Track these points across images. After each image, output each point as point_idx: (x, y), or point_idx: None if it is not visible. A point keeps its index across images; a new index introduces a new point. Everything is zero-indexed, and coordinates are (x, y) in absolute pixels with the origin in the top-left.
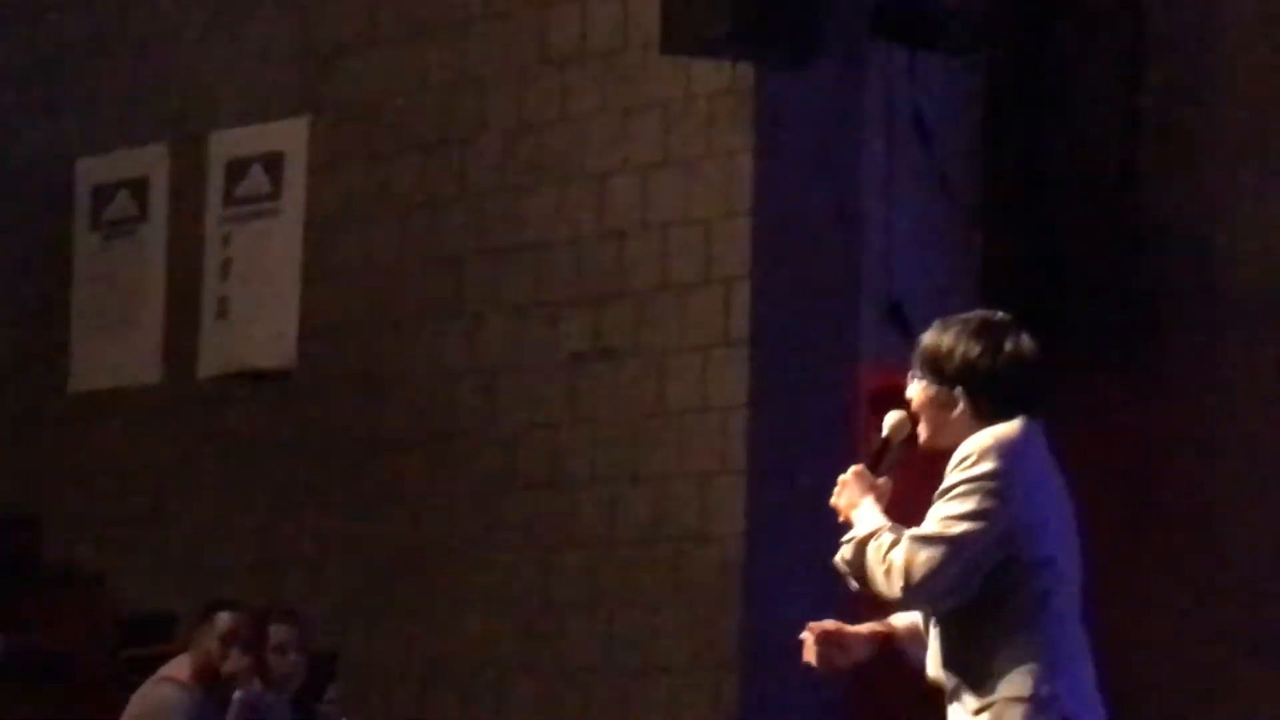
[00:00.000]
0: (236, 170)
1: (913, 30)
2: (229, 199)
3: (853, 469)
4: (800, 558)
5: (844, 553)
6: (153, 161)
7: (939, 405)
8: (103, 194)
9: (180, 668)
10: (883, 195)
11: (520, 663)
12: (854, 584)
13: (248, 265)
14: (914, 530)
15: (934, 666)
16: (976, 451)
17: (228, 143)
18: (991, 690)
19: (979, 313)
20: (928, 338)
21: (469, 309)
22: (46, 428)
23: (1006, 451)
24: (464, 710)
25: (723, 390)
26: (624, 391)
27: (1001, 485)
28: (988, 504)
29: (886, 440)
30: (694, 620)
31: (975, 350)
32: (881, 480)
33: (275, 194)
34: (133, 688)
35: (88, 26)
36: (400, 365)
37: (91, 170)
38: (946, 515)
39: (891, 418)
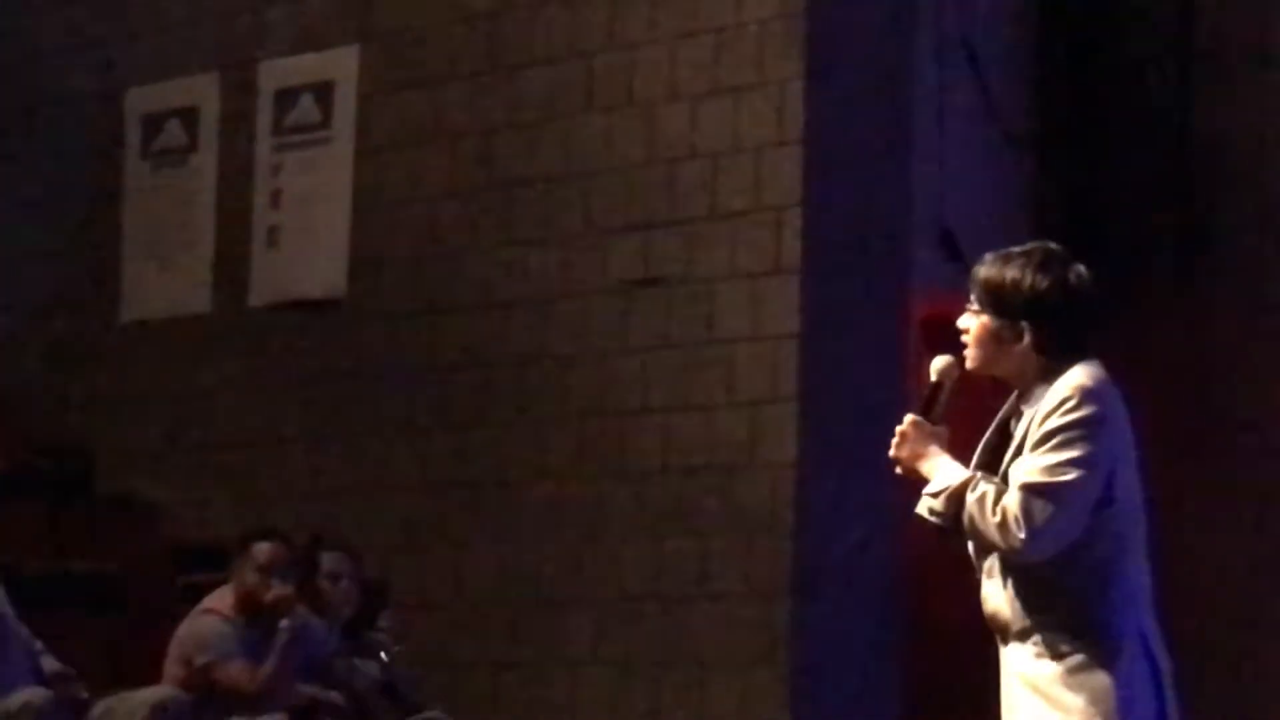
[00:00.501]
0: (286, 99)
1: None
2: (279, 128)
3: (909, 419)
4: (851, 485)
5: (933, 504)
6: (203, 91)
7: (1000, 339)
8: (153, 124)
9: (222, 599)
10: (934, 122)
11: (571, 590)
12: (942, 532)
13: (298, 194)
14: (1026, 480)
15: (1002, 604)
16: (1077, 394)
17: (278, 72)
18: (1081, 634)
19: (1038, 245)
20: (988, 270)
21: (519, 237)
22: (98, 358)
23: (1102, 394)
24: (514, 638)
25: (773, 318)
26: (674, 319)
27: (1102, 430)
28: (1092, 449)
29: (937, 385)
30: (745, 547)
31: (1043, 283)
32: (939, 428)
33: (325, 123)
34: (185, 615)
35: None
36: (450, 293)
37: (142, 100)
38: (1057, 462)
39: (940, 362)
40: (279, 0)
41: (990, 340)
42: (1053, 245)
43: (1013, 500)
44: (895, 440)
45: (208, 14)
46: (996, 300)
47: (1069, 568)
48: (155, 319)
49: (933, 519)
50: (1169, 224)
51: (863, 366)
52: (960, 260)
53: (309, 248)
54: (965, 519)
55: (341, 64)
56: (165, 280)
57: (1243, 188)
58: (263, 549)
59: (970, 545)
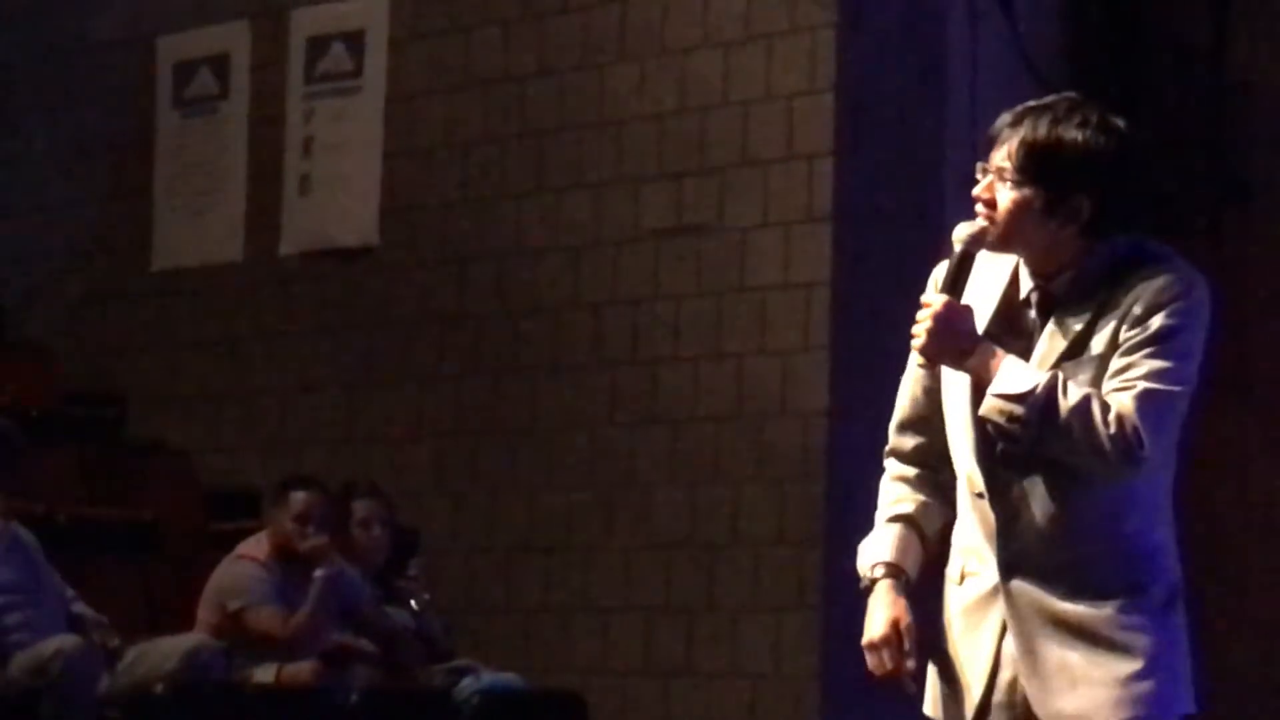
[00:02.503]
0: (318, 47)
1: None
2: (310, 76)
3: (941, 300)
4: (882, 432)
5: (1012, 409)
6: (234, 39)
7: (1044, 216)
8: (184, 72)
9: (258, 545)
10: (966, 69)
11: (603, 538)
12: (1010, 442)
13: (329, 142)
14: (1148, 385)
15: (1033, 528)
16: (1187, 286)
17: (309, 19)
18: (1136, 568)
19: (1068, 97)
20: (1030, 130)
21: (550, 184)
22: (130, 305)
23: (1203, 289)
24: (546, 586)
25: (805, 266)
26: (706, 267)
27: (1201, 337)
28: (1199, 354)
29: (965, 258)
30: (777, 495)
31: (1107, 146)
32: (967, 303)
33: (356, 71)
34: (218, 561)
35: None
36: (482, 241)
37: (173, 48)
38: (1174, 367)
39: (966, 230)
40: None
41: (1031, 218)
42: (1080, 97)
43: (1130, 407)
44: (926, 326)
45: None
46: (1046, 168)
47: (1127, 496)
48: (187, 267)
49: (1009, 426)
50: (1203, 174)
51: (894, 314)
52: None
53: (340, 196)
54: (1061, 427)
55: (373, 11)
56: (197, 228)
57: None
58: (299, 497)
59: (1002, 465)
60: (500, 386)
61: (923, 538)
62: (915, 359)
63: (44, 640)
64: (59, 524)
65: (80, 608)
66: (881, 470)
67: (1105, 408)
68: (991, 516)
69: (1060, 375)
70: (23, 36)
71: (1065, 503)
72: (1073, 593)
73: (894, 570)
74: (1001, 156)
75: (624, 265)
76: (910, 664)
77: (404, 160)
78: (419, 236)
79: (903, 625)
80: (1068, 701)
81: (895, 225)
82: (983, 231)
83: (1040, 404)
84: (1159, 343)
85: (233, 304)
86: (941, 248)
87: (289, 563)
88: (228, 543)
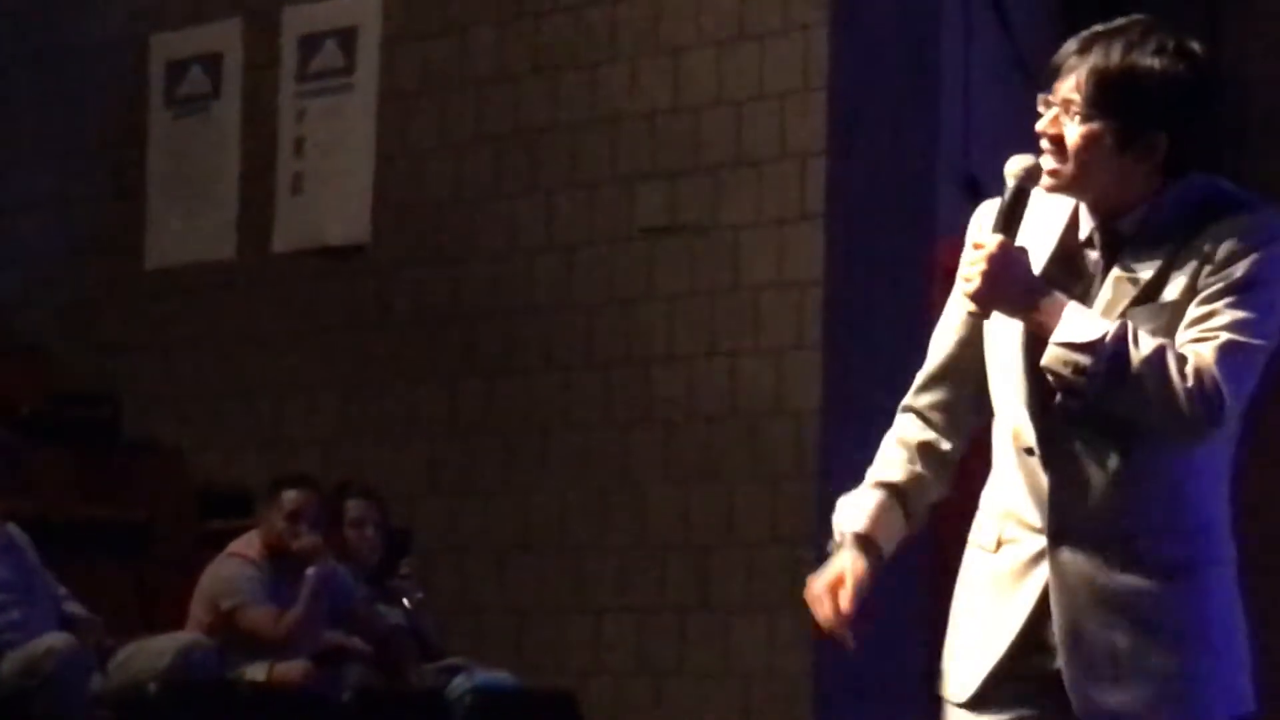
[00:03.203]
0: (310, 45)
1: None
2: (303, 74)
3: (995, 240)
4: (876, 432)
5: (1078, 360)
6: (226, 37)
7: (1118, 152)
8: (176, 70)
9: (250, 544)
10: (959, 68)
11: (597, 537)
12: (1073, 396)
13: (321, 141)
14: (1230, 336)
15: (1088, 490)
16: (1271, 235)
17: (301, 17)
18: (1194, 539)
19: (1152, 20)
20: (1101, 58)
21: (544, 183)
22: (123, 304)
23: None
24: (539, 585)
25: (798, 265)
26: (699, 267)
27: None
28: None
29: (1020, 194)
30: (770, 495)
31: (1187, 75)
32: (1022, 249)
33: (349, 69)
34: (210, 561)
35: None
36: (475, 240)
37: (165, 46)
38: (1257, 319)
39: (1019, 164)
40: None
41: (1102, 154)
42: (1155, 19)
43: (1211, 360)
44: (980, 269)
45: None
46: (1120, 99)
47: (1201, 453)
48: (180, 265)
49: (1074, 378)
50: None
51: (887, 313)
52: None
53: (333, 194)
54: (1132, 380)
55: (365, 9)
56: (189, 227)
57: (1273, 134)
58: (292, 496)
59: (1061, 421)
60: (493, 385)
61: (907, 513)
62: (956, 309)
63: (36, 639)
64: (52, 523)
65: (72, 607)
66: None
67: (1182, 360)
68: (1042, 476)
69: (1130, 323)
70: (15, 35)
71: (1127, 464)
72: (1126, 566)
73: (864, 542)
74: (1069, 88)
75: (617, 264)
76: (845, 608)
77: (397, 159)
78: (412, 235)
79: (851, 575)
80: (1110, 695)
81: (888, 224)
82: (1037, 167)
83: (1109, 354)
84: (1243, 291)
85: (226, 302)
86: (934, 246)
87: (281, 562)
88: (221, 542)
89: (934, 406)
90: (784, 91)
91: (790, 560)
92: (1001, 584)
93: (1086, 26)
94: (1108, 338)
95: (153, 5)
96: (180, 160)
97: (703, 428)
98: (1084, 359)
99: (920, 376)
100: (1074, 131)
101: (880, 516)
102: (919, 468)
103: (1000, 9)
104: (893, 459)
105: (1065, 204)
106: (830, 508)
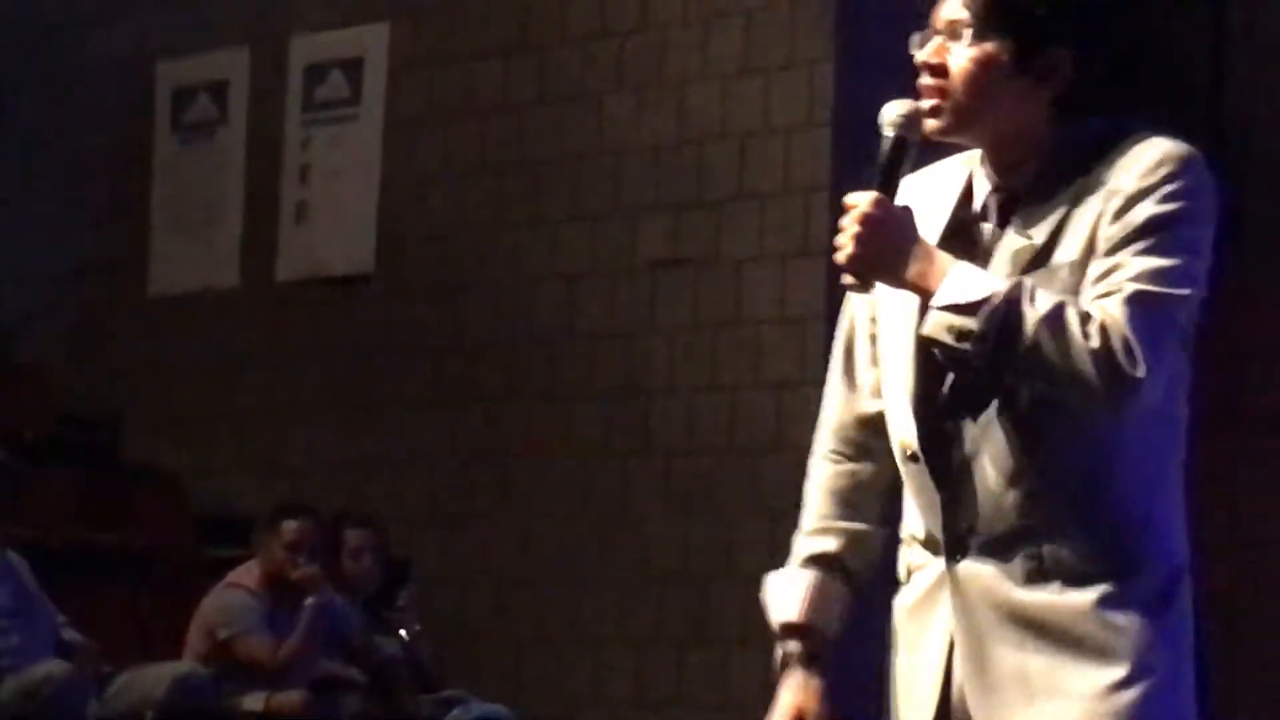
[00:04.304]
0: (316, 74)
1: None
2: (309, 103)
3: (869, 197)
4: None
5: (962, 324)
6: (233, 65)
7: (1011, 75)
8: (183, 97)
9: (249, 573)
10: None
11: (597, 569)
12: (969, 369)
13: (326, 169)
14: (1139, 286)
15: (982, 488)
16: (1182, 164)
17: (308, 47)
18: (1121, 546)
19: None
20: None
21: (548, 214)
22: (126, 329)
23: (1205, 170)
24: (538, 617)
25: (800, 300)
26: (701, 300)
27: (1210, 225)
28: (1204, 250)
29: (900, 144)
30: (770, 528)
31: None
32: (907, 206)
33: (355, 98)
34: (209, 588)
35: None
36: (478, 271)
37: (172, 73)
38: (1172, 266)
39: (896, 111)
40: None
41: (996, 79)
42: None
43: (1118, 315)
44: (853, 232)
45: None
46: (1015, 12)
47: (1128, 440)
48: (183, 292)
49: (959, 346)
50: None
51: None
52: None
53: (337, 223)
54: (1027, 343)
55: (372, 40)
56: (193, 254)
57: (1277, 173)
58: (291, 526)
59: (950, 413)
60: (494, 416)
61: (848, 574)
62: (847, 305)
63: (34, 665)
64: (51, 548)
65: (70, 633)
66: None
67: (1085, 317)
68: (931, 484)
69: (1026, 281)
70: (23, 59)
71: (1029, 456)
72: (1036, 577)
73: (804, 633)
74: (953, 8)
75: (620, 296)
76: None
77: (401, 188)
78: (415, 264)
79: (805, 707)
80: (1021, 717)
81: None
82: (917, 113)
83: (1000, 315)
84: (1150, 234)
85: (228, 329)
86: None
87: (280, 591)
88: (219, 569)
89: (841, 439)
90: (788, 126)
91: None
92: (914, 616)
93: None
94: (996, 297)
95: (160, 32)
96: (185, 186)
97: (703, 460)
98: (969, 322)
99: (822, 411)
100: (962, 54)
101: (816, 598)
102: (850, 522)
103: None
104: (818, 522)
105: (957, 178)
106: None
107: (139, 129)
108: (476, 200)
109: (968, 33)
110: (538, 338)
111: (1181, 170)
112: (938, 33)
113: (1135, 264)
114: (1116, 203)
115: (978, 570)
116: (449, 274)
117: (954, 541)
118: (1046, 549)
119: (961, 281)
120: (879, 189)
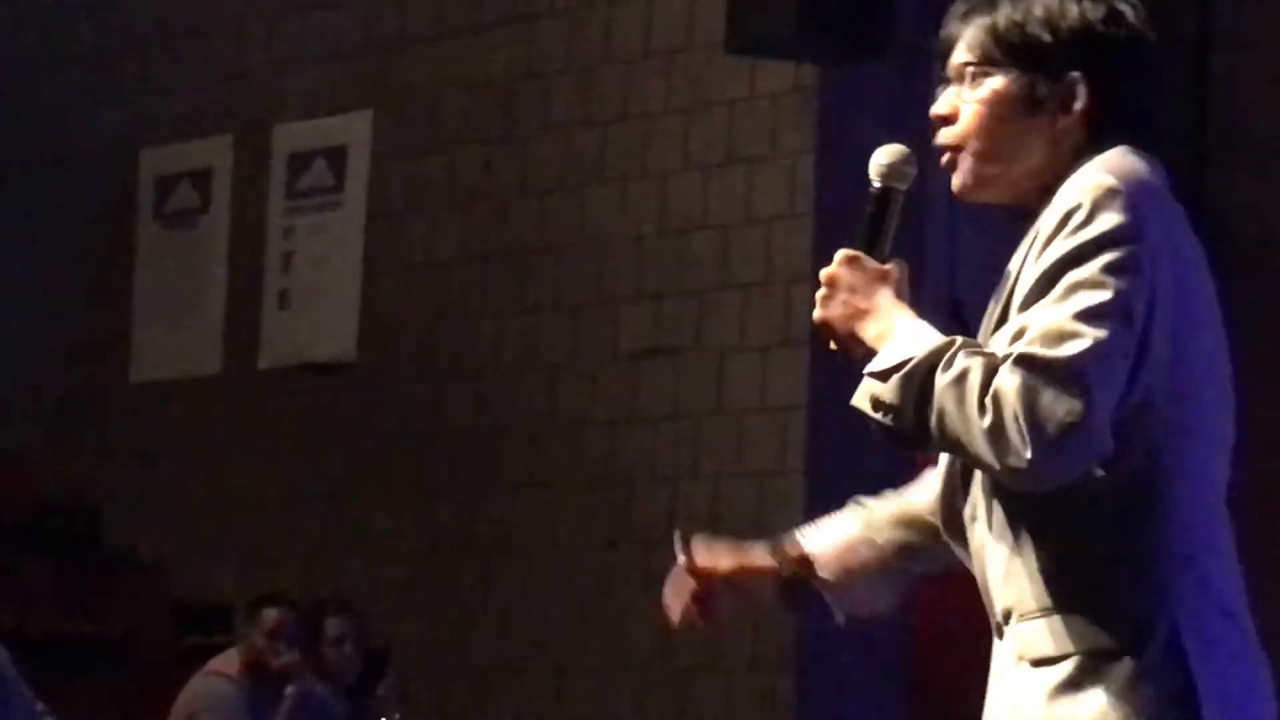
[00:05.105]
0: (299, 162)
1: None
2: (291, 191)
3: (840, 255)
4: None
5: (878, 391)
6: (216, 153)
7: (1027, 108)
8: (166, 184)
9: (229, 662)
10: (945, 194)
11: (577, 658)
12: (900, 443)
13: (309, 257)
14: (1026, 349)
15: (990, 568)
16: (1090, 197)
17: (291, 135)
18: (1072, 633)
19: None
20: (1001, 14)
21: (530, 304)
22: (107, 416)
23: (1136, 194)
24: (519, 705)
25: (782, 390)
26: (683, 389)
27: (1139, 253)
28: (1123, 287)
29: (885, 195)
30: (751, 619)
31: (1097, 11)
32: (891, 265)
33: (338, 187)
34: (188, 676)
35: (153, 16)
36: (460, 359)
37: (155, 160)
38: (1073, 315)
39: (886, 155)
40: (294, 64)
41: (1010, 112)
42: None
43: (1010, 386)
44: (819, 293)
45: (222, 76)
46: (1023, 45)
47: (1086, 499)
48: (165, 379)
49: (878, 418)
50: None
51: (870, 439)
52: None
53: (319, 311)
54: (934, 418)
55: (355, 128)
56: (175, 341)
57: (1255, 264)
58: (271, 614)
59: (942, 466)
60: (476, 504)
61: (875, 538)
62: None
63: None
64: (31, 636)
65: None
66: None
67: (985, 387)
68: (968, 563)
69: (959, 341)
70: (5, 145)
71: (1012, 533)
72: (1017, 656)
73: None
74: (959, 53)
75: (602, 385)
76: (677, 605)
77: (384, 276)
78: (398, 353)
79: (720, 566)
80: None
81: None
82: (906, 159)
83: (916, 382)
84: (1053, 283)
85: (210, 417)
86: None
87: (260, 679)
88: (199, 657)
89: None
90: (770, 216)
91: (769, 688)
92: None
93: None
94: (915, 360)
95: (143, 119)
96: (168, 273)
97: None
98: (885, 390)
99: None
100: (971, 97)
101: (836, 536)
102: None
103: None
104: (887, 496)
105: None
106: (810, 634)
107: (122, 216)
108: (459, 288)
109: (975, 73)
110: (519, 426)
111: (1094, 205)
112: (950, 84)
113: (1036, 320)
114: (1035, 249)
115: (997, 651)
116: (431, 362)
117: (994, 622)
118: (1027, 631)
119: (893, 342)
120: (862, 244)
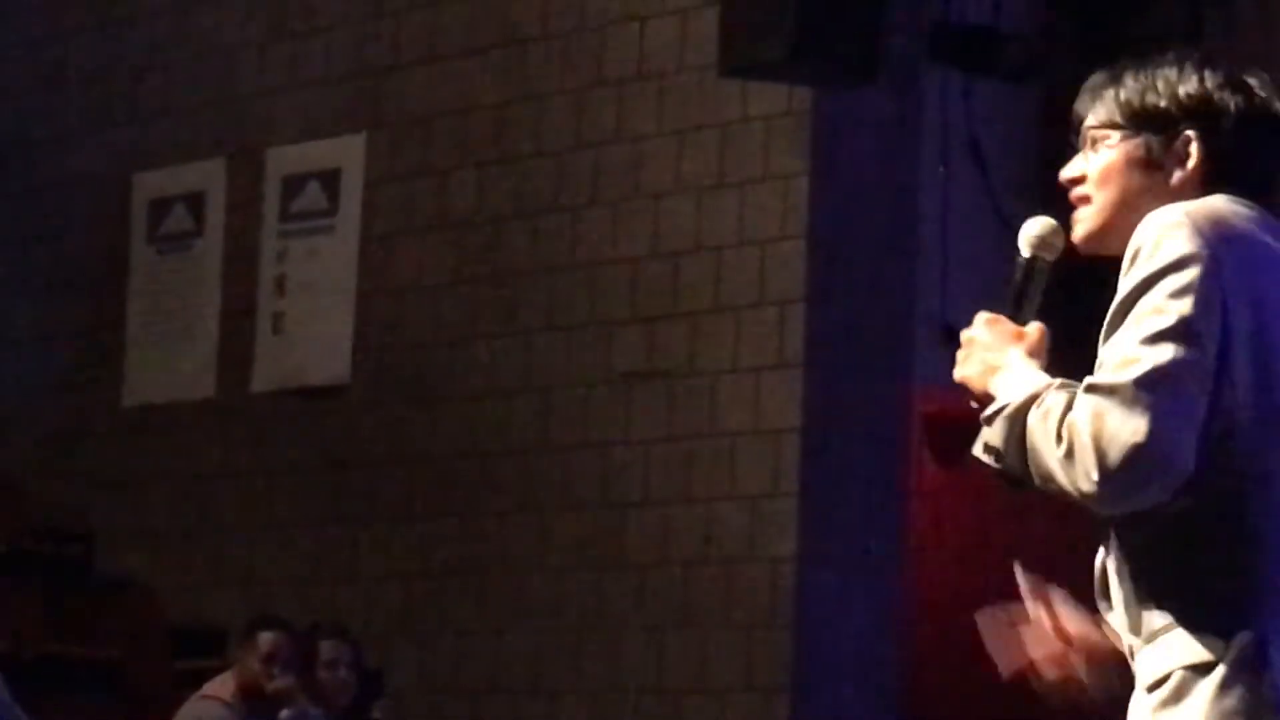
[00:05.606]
0: (293, 186)
1: (970, 54)
2: (285, 214)
3: (982, 318)
4: (851, 580)
5: (988, 435)
6: (210, 176)
7: (1149, 164)
8: (159, 208)
9: (224, 685)
10: (938, 219)
11: (570, 682)
12: (1011, 484)
13: (303, 281)
14: (1093, 379)
15: (1114, 596)
16: (1152, 236)
17: (285, 158)
18: (1171, 652)
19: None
20: (1126, 88)
21: (523, 327)
22: (100, 441)
23: (1201, 226)
24: None
25: (775, 412)
26: (676, 412)
27: (1203, 281)
28: (1188, 313)
29: (1031, 264)
30: (744, 642)
31: (1214, 78)
32: (1031, 327)
33: (331, 210)
34: (183, 701)
35: (146, 40)
36: (454, 382)
37: (148, 184)
38: (1137, 342)
39: (1035, 227)
40: (287, 87)
41: (1130, 170)
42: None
43: (1080, 413)
44: (960, 354)
45: (216, 100)
46: (1142, 110)
47: (1175, 524)
48: (158, 403)
49: (989, 461)
50: None
51: (864, 462)
52: None
53: (313, 334)
54: (1020, 451)
55: (349, 152)
56: (169, 365)
57: None
58: (266, 638)
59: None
60: (469, 527)
61: None
62: None
63: None
64: (24, 661)
65: None
66: (849, 618)
67: (1063, 417)
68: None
69: (1056, 381)
70: None
71: (1122, 560)
72: (1140, 678)
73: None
74: (1088, 121)
75: (594, 408)
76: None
77: (377, 300)
78: (391, 376)
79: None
80: None
81: (865, 372)
82: (1054, 231)
83: (1016, 424)
84: (1124, 315)
85: (203, 441)
86: (911, 396)
87: (255, 703)
88: (193, 682)
89: None
90: (763, 239)
91: (763, 709)
92: None
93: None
94: (1013, 404)
95: (136, 143)
96: (161, 298)
97: (677, 573)
98: (992, 434)
99: None
100: (1098, 159)
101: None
102: None
103: (978, 159)
104: None
105: None
106: (804, 657)
107: (115, 240)
108: (452, 311)
109: (1100, 137)
110: (513, 449)
111: (1158, 237)
112: (1078, 151)
113: (1108, 352)
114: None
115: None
116: (425, 385)
117: (1126, 652)
118: (1140, 652)
119: (1004, 391)
120: (1009, 308)
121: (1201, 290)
